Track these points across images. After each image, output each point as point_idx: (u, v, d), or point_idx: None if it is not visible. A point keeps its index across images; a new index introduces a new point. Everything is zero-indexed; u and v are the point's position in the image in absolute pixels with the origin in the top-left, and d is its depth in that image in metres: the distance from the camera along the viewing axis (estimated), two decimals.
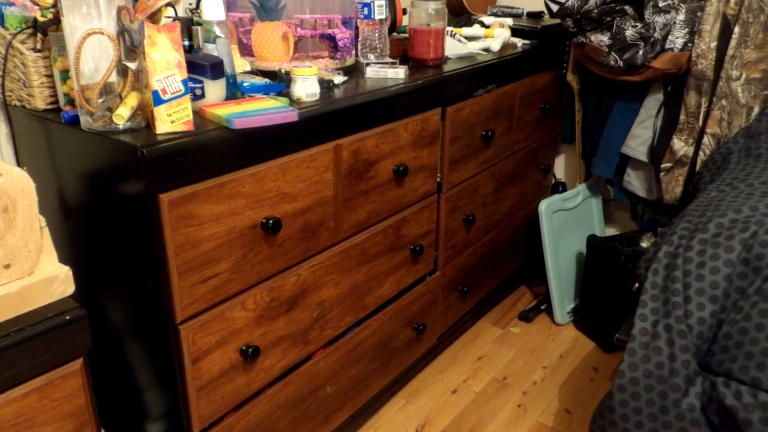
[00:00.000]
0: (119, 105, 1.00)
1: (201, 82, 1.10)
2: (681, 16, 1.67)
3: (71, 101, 1.12)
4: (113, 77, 1.00)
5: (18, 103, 1.19)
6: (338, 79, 1.37)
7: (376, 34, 1.51)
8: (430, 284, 1.72)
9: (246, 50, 1.41)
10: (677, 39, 1.68)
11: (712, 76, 1.68)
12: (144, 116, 1.03)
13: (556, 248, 2.06)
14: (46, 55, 1.11)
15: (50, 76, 1.14)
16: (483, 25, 1.94)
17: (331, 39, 1.44)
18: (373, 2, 1.45)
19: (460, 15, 2.06)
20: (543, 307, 2.18)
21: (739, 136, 1.64)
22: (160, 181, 0.97)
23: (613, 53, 1.74)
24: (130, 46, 0.99)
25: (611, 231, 2.33)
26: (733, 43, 1.65)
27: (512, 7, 2.08)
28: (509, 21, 1.95)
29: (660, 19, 1.68)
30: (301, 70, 1.21)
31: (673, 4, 1.67)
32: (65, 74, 1.11)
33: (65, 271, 0.91)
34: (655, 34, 1.68)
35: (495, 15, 2.07)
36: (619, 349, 1.99)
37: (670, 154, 1.79)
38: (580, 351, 1.99)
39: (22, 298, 0.87)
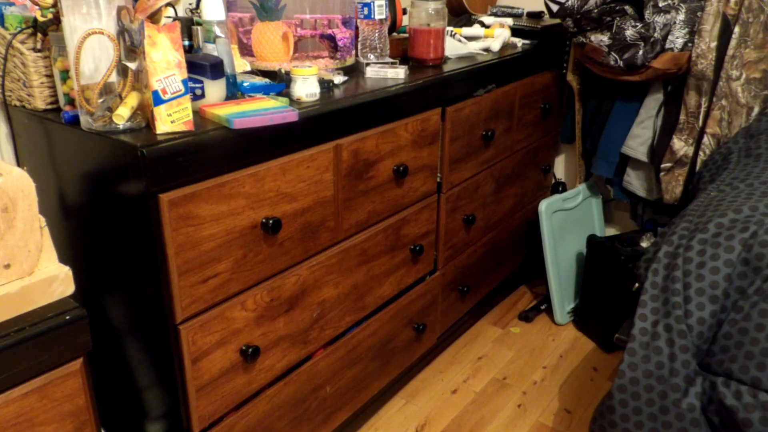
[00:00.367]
0: (119, 105, 1.00)
1: (201, 82, 1.10)
2: (681, 16, 1.67)
3: (71, 101, 1.12)
4: (113, 77, 1.00)
5: (18, 103, 1.19)
6: (338, 79, 1.37)
7: (376, 34, 1.51)
8: (430, 284, 1.72)
9: (246, 50, 1.41)
10: (677, 39, 1.68)
11: (712, 76, 1.68)
12: (144, 116, 1.03)
13: (556, 248, 2.06)
14: (46, 55, 1.11)
15: (50, 76, 1.14)
16: (483, 25, 1.94)
17: (331, 39, 1.44)
18: (373, 2, 1.45)
19: (460, 15, 2.06)
20: (543, 307, 2.18)
21: (739, 136, 1.64)
22: (160, 181, 0.97)
23: (613, 53, 1.74)
24: (130, 46, 0.99)
25: (611, 231, 2.33)
26: (733, 43, 1.65)
27: (512, 7, 2.08)
28: (509, 21, 1.95)
29: (660, 19, 1.68)
30: (301, 70, 1.21)
31: (673, 4, 1.67)
32: (65, 74, 1.11)
33: (65, 271, 0.91)
34: (655, 34, 1.68)
35: (495, 15, 2.07)
36: (619, 349, 1.99)
37: (670, 154, 1.79)
38: (580, 351, 1.99)
39: (22, 298, 0.87)
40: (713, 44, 1.66)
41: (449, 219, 1.71)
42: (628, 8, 1.70)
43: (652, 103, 1.85)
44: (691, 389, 1.15)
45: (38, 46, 1.13)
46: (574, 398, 1.79)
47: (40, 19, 1.13)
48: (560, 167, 2.36)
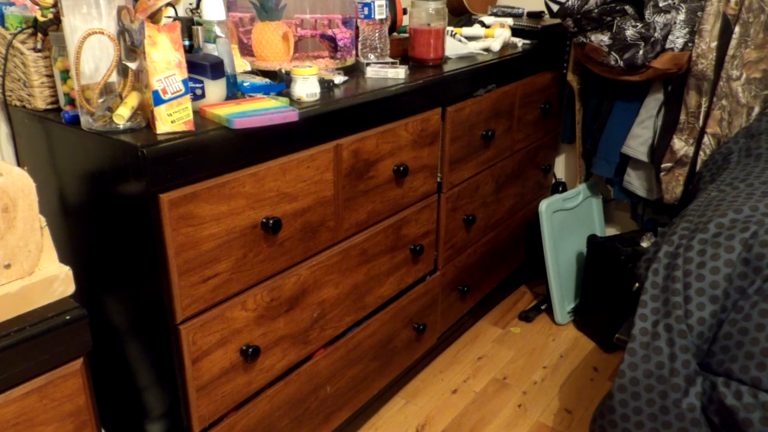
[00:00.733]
0: (119, 105, 1.00)
1: (201, 82, 1.10)
2: (681, 16, 1.67)
3: (71, 101, 1.12)
4: (113, 77, 1.00)
5: (18, 103, 1.19)
6: (338, 79, 1.37)
7: (377, 34, 1.51)
8: (431, 284, 1.72)
9: (246, 50, 1.41)
10: (677, 39, 1.68)
11: (712, 76, 1.68)
12: (144, 116, 1.03)
13: (557, 248, 2.06)
14: (47, 55, 1.11)
15: (50, 76, 1.14)
16: (483, 25, 1.94)
17: (332, 39, 1.44)
18: (374, 2, 1.45)
19: (460, 15, 2.06)
20: (543, 307, 2.18)
21: (739, 136, 1.64)
22: (161, 181, 0.97)
23: (613, 53, 1.74)
24: (131, 46, 0.99)
25: (611, 231, 2.33)
26: (733, 43, 1.65)
27: (512, 7, 2.08)
28: (509, 21, 1.95)
29: (660, 19, 1.68)
30: (302, 70, 1.21)
31: (674, 3, 1.67)
32: (65, 74, 1.11)
33: (65, 271, 0.91)
34: (656, 34, 1.68)
35: (495, 15, 2.07)
36: (620, 349, 1.99)
37: (671, 154, 1.79)
38: (581, 351, 1.99)
39: (22, 298, 0.87)
40: (713, 44, 1.66)
41: (449, 219, 1.71)
42: (628, 8, 1.70)
43: (653, 103, 1.85)
44: (692, 389, 1.15)
45: (38, 46, 1.13)
46: (575, 398, 1.79)
47: (41, 19, 1.13)
48: (560, 167, 2.36)
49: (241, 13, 1.41)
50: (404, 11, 1.74)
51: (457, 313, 1.92)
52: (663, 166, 1.82)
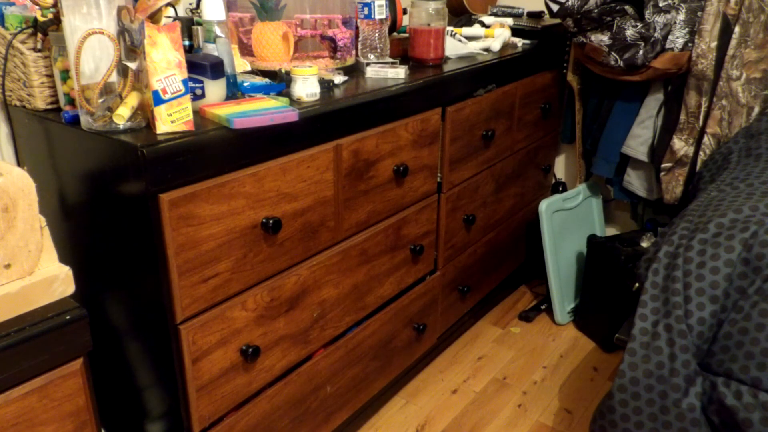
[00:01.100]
0: (119, 105, 1.00)
1: (201, 81, 1.10)
2: (681, 16, 1.67)
3: (71, 101, 1.12)
4: (113, 77, 1.00)
5: (18, 103, 1.19)
6: (338, 79, 1.37)
7: (377, 34, 1.51)
8: (430, 284, 1.72)
9: (246, 50, 1.41)
10: (677, 39, 1.68)
11: (712, 75, 1.68)
12: (144, 116, 1.03)
13: (557, 248, 2.06)
14: (47, 55, 1.11)
15: (50, 76, 1.14)
16: (483, 24, 1.94)
17: (332, 40, 1.44)
18: (374, 2, 1.45)
19: (460, 15, 2.06)
20: (543, 307, 2.18)
21: (739, 136, 1.64)
22: (160, 181, 0.97)
23: (613, 53, 1.74)
24: (131, 45, 0.99)
25: (611, 231, 2.33)
26: (733, 42, 1.65)
27: (512, 7, 2.08)
28: (509, 21, 1.95)
29: (660, 19, 1.68)
30: (302, 70, 1.21)
31: (674, 3, 1.67)
32: (65, 74, 1.11)
33: (65, 271, 0.91)
34: (656, 34, 1.68)
35: (495, 15, 2.07)
36: (620, 349, 1.99)
37: (671, 154, 1.79)
38: (581, 351, 1.99)
39: (22, 298, 0.87)
40: (713, 44, 1.66)
41: (449, 219, 1.71)
42: (628, 8, 1.70)
43: (653, 103, 1.85)
44: (692, 389, 1.15)
45: (38, 46, 1.13)
46: (574, 398, 1.79)
47: (41, 19, 1.13)
48: (560, 167, 2.36)
49: (241, 13, 1.41)
50: (404, 11, 1.74)
51: (457, 313, 1.92)
52: (663, 166, 1.82)
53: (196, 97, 1.11)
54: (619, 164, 1.98)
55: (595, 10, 1.70)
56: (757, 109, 1.72)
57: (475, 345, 2.02)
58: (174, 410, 1.15)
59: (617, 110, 1.94)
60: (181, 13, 1.60)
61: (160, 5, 1.02)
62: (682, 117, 1.76)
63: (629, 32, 1.70)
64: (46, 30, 1.12)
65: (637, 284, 1.51)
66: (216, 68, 1.10)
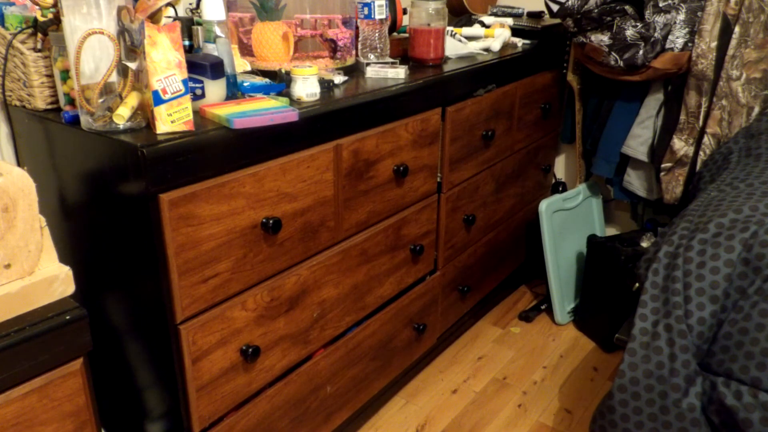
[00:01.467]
0: (119, 105, 1.00)
1: (201, 81, 1.10)
2: (681, 16, 1.67)
3: (71, 101, 1.12)
4: (113, 77, 1.00)
5: (18, 103, 1.19)
6: (338, 79, 1.37)
7: (377, 34, 1.51)
8: (430, 284, 1.72)
9: (246, 50, 1.41)
10: (677, 39, 1.68)
11: (712, 75, 1.68)
12: (144, 116, 1.03)
13: (557, 248, 2.06)
14: (47, 55, 1.11)
15: (50, 76, 1.14)
16: (483, 24, 1.94)
17: (331, 41, 1.44)
18: (374, 2, 1.45)
19: (460, 15, 2.06)
20: (543, 307, 2.18)
21: (739, 136, 1.64)
22: (160, 181, 0.97)
23: (613, 53, 1.74)
24: (131, 45, 0.99)
25: (611, 231, 2.33)
26: (733, 42, 1.65)
27: (512, 7, 2.08)
28: (509, 21, 1.95)
29: (660, 19, 1.68)
30: (302, 70, 1.21)
31: (674, 3, 1.67)
32: (65, 74, 1.11)
33: (65, 271, 0.91)
34: (656, 34, 1.68)
35: (495, 15, 2.07)
36: (620, 349, 1.99)
37: (671, 154, 1.79)
38: (581, 351, 1.99)
39: (22, 298, 0.87)
40: (713, 44, 1.66)
41: (449, 219, 1.71)
42: (628, 8, 1.70)
43: (653, 103, 1.85)
44: (692, 389, 1.15)
45: (38, 46, 1.13)
46: (574, 398, 1.79)
47: (41, 19, 1.13)
48: (560, 167, 2.36)
49: (241, 13, 1.41)
50: (404, 11, 1.74)
51: (457, 313, 1.92)
52: (663, 166, 1.82)
53: (196, 97, 1.11)
54: (619, 164, 1.98)
55: (595, 10, 1.70)
56: (757, 109, 1.72)
57: (475, 345, 2.02)
58: (174, 410, 1.15)
59: (617, 110, 1.94)
60: (181, 13, 1.60)
61: (160, 5, 1.02)
62: (682, 117, 1.76)
63: (629, 32, 1.70)
64: (46, 30, 1.12)
65: (637, 284, 1.51)
66: (216, 68, 1.10)
